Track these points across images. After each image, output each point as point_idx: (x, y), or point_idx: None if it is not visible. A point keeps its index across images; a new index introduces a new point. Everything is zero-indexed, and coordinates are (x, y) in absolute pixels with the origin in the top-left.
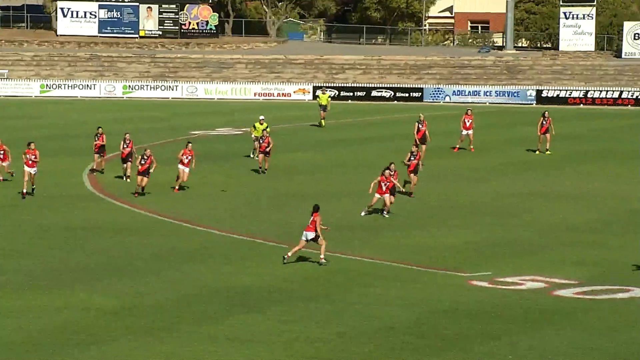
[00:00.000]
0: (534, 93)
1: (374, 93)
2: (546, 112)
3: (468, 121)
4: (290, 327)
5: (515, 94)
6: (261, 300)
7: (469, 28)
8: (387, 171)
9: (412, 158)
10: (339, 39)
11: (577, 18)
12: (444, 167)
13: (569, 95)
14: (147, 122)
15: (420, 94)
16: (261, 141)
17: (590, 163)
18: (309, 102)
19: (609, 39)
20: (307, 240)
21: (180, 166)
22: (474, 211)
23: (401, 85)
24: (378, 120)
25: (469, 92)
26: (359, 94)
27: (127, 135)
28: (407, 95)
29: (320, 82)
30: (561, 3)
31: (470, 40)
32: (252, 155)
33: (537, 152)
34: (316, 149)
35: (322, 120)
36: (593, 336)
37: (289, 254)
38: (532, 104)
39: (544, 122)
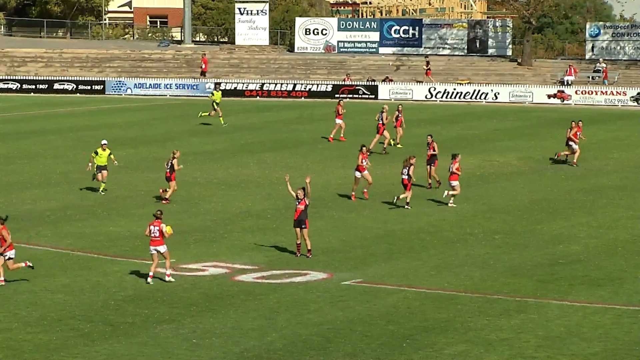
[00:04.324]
0: (212, 85)
1: (56, 86)
2: (580, 122)
3: (579, 133)
4: None
5: (195, 87)
6: None
7: (148, 23)
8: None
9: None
10: (20, 33)
11: (251, 14)
12: (125, 158)
13: (246, 87)
14: None
15: (102, 86)
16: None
17: (269, 152)
18: None
19: (282, 33)
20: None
21: None
22: (156, 200)
23: (83, 78)
24: (60, 112)
25: (150, 84)
26: (41, 86)
27: None
28: (89, 87)
29: (2, 74)
30: None
31: (150, 35)
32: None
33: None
34: (1, 141)
35: (221, 118)
36: (256, 318)
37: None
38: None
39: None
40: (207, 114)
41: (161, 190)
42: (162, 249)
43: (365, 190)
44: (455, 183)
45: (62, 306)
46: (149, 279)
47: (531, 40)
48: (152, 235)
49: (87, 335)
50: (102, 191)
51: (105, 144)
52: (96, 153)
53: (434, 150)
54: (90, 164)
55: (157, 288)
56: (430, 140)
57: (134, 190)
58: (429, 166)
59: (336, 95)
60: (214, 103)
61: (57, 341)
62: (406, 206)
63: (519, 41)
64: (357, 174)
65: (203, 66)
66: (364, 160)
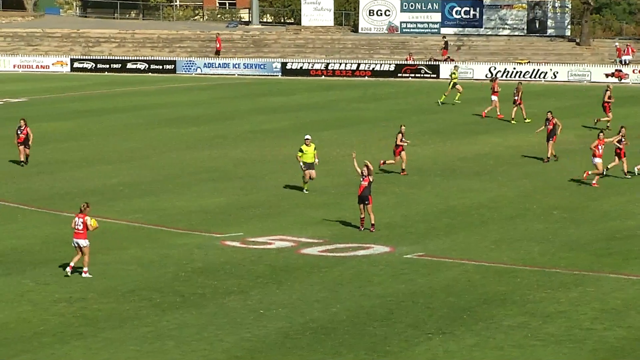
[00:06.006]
0: (279, 65)
1: (129, 65)
2: None
3: None
4: (52, 288)
5: (262, 66)
6: (20, 263)
7: (217, 4)
8: (602, 134)
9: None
10: (94, 14)
11: None
12: (192, 135)
13: (312, 67)
14: None
15: (173, 66)
16: (19, 132)
17: (332, 130)
18: (66, 74)
19: (346, 14)
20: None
21: None
22: (222, 176)
23: (155, 58)
24: (132, 91)
25: (219, 64)
26: (115, 66)
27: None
28: (160, 67)
29: (78, 54)
30: None
31: (219, 16)
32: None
33: None
34: (74, 119)
35: (459, 94)
36: (321, 290)
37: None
38: (278, 75)
39: None
40: (445, 94)
41: (381, 162)
42: (83, 243)
43: (594, 181)
44: None
45: (134, 277)
46: (68, 269)
47: (589, 20)
48: (76, 227)
49: (158, 306)
50: (305, 190)
51: (308, 139)
52: (301, 150)
53: (555, 126)
54: (301, 163)
55: (226, 261)
56: (550, 116)
57: (200, 166)
58: (547, 141)
59: (488, 73)
60: (452, 83)
61: (130, 311)
62: (627, 175)
63: (578, 22)
64: (595, 160)
65: (217, 45)
66: (600, 146)
